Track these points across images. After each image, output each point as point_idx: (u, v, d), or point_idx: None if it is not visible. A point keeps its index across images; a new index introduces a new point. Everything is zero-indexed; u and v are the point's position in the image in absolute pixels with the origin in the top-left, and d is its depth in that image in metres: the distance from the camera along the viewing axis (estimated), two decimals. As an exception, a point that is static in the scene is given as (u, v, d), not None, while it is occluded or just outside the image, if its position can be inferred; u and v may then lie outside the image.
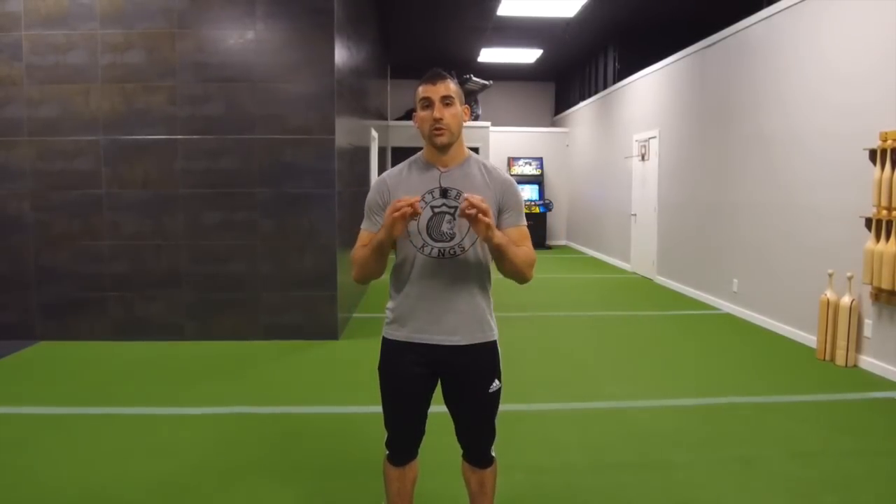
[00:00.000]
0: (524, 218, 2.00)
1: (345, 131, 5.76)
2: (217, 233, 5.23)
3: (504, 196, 1.95)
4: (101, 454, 3.12)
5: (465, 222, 1.89)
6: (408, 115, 12.32)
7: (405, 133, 11.82)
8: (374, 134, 8.91)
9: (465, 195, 1.77)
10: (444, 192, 1.91)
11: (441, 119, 1.86)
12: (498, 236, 1.81)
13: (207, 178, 5.20)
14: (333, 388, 4.19)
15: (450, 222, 1.90)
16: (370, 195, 2.00)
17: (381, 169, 10.17)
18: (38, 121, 5.14)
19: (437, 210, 1.91)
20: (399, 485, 2.08)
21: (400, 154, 11.22)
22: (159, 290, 5.24)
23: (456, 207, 1.90)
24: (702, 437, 3.36)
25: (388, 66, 12.34)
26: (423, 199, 1.90)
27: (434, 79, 1.89)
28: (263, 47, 5.15)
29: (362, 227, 2.01)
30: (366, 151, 7.90)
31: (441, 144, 1.89)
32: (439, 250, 1.91)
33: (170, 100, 5.14)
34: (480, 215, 1.72)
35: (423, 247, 1.92)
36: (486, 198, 1.89)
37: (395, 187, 1.95)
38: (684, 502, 2.66)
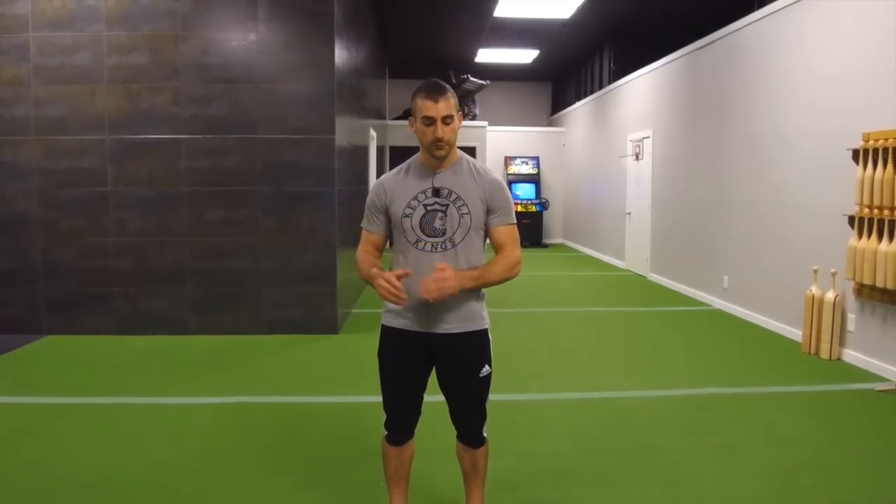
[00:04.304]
0: (513, 216, 2.14)
1: (344, 131, 5.89)
2: (220, 230, 5.36)
3: (493, 196, 2.10)
4: (111, 441, 3.25)
5: (455, 218, 2.05)
6: (405, 115, 12.42)
7: (403, 132, 11.92)
8: (373, 133, 9.04)
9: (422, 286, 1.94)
10: (437, 192, 2.07)
11: (443, 138, 2.02)
12: (465, 284, 1.99)
13: (210, 176, 5.32)
14: (333, 379, 4.32)
15: (441, 219, 2.06)
16: (369, 197, 2.17)
17: (380, 167, 10.30)
18: (45, 120, 5.26)
19: (429, 208, 2.07)
20: (397, 463, 2.23)
21: (398, 153, 11.34)
22: (163, 285, 5.36)
23: (447, 205, 2.06)
24: (687, 424, 3.50)
25: (386, 66, 12.46)
26: (416, 198, 2.07)
27: (435, 95, 2.01)
28: (265, 49, 5.28)
29: (363, 225, 2.19)
30: (365, 150, 8.03)
31: (441, 157, 2.06)
32: (432, 245, 2.06)
33: (174, 100, 5.27)
34: (437, 296, 1.93)
35: (416, 242, 2.08)
36: (474, 195, 2.05)
37: (391, 189, 2.12)
38: (668, 484, 2.80)
